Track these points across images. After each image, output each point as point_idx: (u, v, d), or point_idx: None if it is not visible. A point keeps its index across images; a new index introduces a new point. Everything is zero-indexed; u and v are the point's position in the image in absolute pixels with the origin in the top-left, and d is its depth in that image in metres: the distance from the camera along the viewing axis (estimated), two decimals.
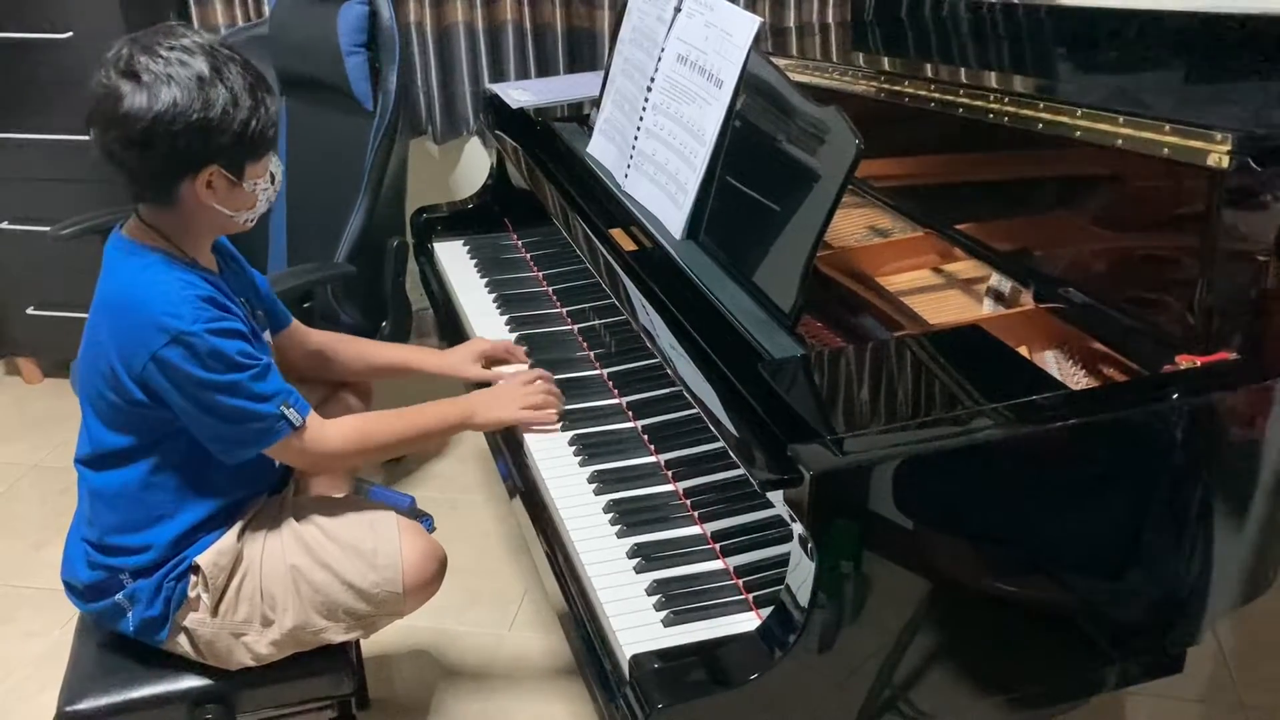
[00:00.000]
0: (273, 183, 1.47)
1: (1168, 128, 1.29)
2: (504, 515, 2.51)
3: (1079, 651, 1.32)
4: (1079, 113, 1.40)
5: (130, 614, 1.50)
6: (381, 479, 2.61)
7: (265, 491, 1.61)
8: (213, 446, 1.45)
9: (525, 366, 1.81)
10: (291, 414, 1.45)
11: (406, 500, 2.48)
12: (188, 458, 1.47)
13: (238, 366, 1.40)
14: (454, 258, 2.23)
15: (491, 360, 1.83)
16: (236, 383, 1.40)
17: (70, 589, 1.56)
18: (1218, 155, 1.24)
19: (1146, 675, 1.37)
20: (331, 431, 1.52)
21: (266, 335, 1.62)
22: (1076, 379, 1.39)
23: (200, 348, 1.37)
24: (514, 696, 2.04)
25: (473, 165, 3.05)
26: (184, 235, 1.44)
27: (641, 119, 1.75)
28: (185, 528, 1.49)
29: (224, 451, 1.45)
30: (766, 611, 1.22)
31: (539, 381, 1.69)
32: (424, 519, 2.46)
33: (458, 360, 1.83)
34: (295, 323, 1.75)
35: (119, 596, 1.50)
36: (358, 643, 1.85)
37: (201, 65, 1.34)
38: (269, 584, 1.52)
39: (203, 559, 1.48)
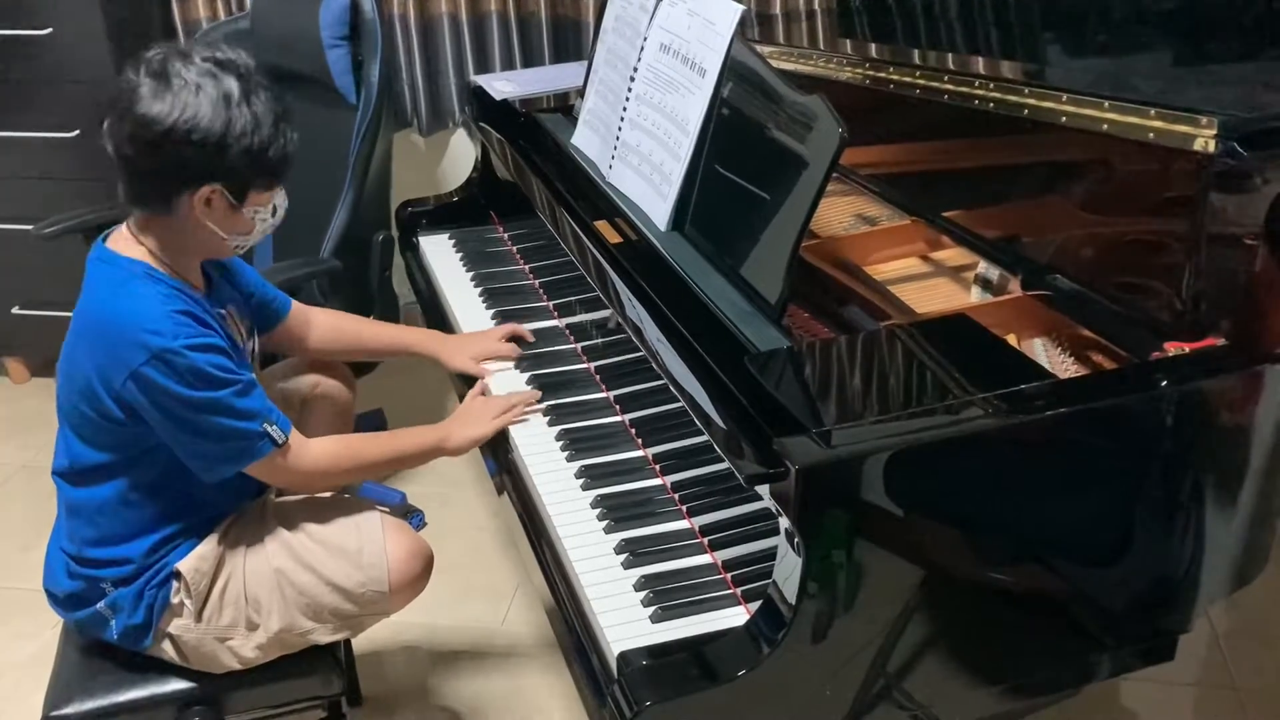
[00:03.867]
0: (274, 215, 1.46)
1: (1153, 112, 1.28)
2: (496, 510, 2.50)
3: (1069, 640, 1.32)
4: (1064, 98, 1.39)
5: (113, 622, 1.49)
6: None
7: (246, 499, 1.59)
8: (193, 464, 1.43)
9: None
10: (274, 431, 1.43)
11: (398, 496, 2.47)
12: (166, 474, 1.45)
13: (220, 383, 1.38)
14: (440, 252, 2.21)
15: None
16: (218, 400, 1.38)
17: (52, 598, 1.55)
18: (1204, 139, 1.23)
19: (1138, 663, 1.37)
20: (313, 450, 1.51)
21: (253, 343, 1.60)
22: (1065, 367, 1.38)
23: (181, 365, 1.35)
24: (507, 691, 2.03)
25: (459, 157, 3.03)
26: (171, 248, 1.42)
27: (625, 109, 1.73)
28: (163, 538, 1.48)
29: (204, 469, 1.44)
30: (755, 606, 1.21)
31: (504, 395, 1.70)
32: (415, 515, 2.46)
33: (451, 349, 1.83)
34: (296, 305, 1.75)
35: (101, 605, 1.48)
36: (348, 641, 1.84)
37: (232, 85, 1.33)
38: (253, 587, 1.50)
39: (184, 565, 1.47)
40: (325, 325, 1.80)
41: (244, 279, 1.65)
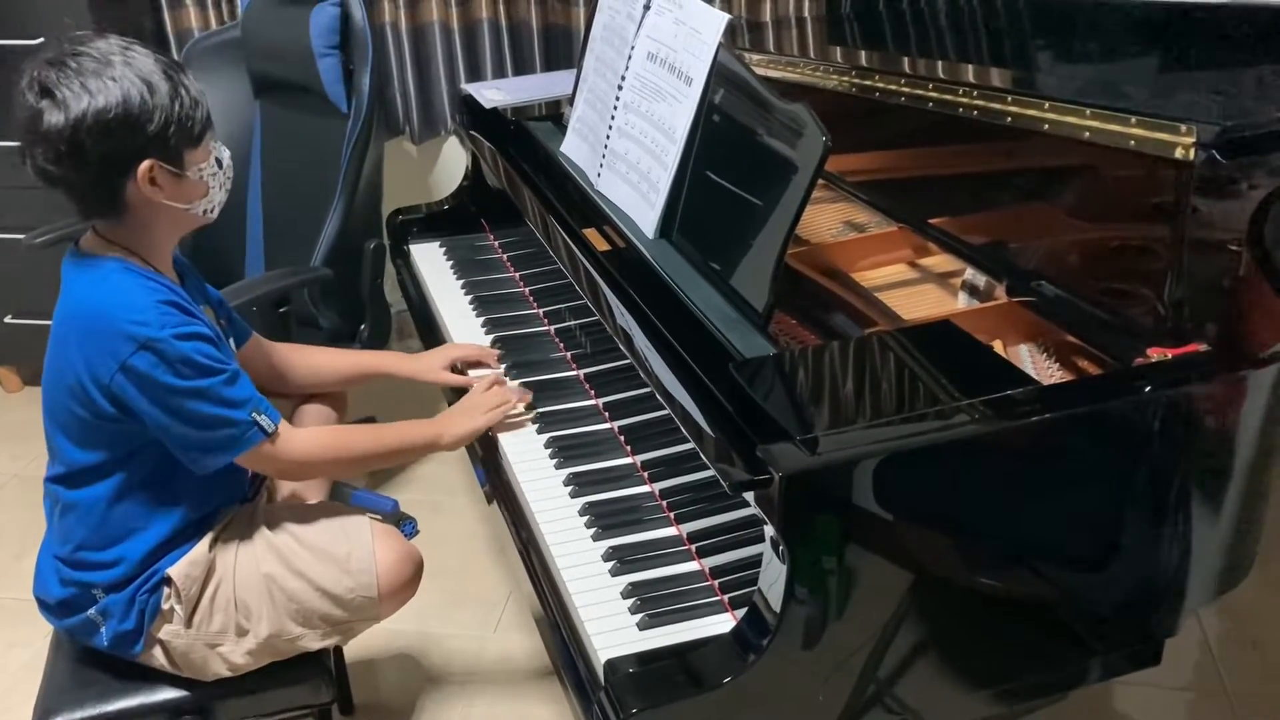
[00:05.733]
0: (221, 167, 1.45)
1: (1134, 120, 1.29)
2: (488, 517, 2.50)
3: (1055, 644, 1.32)
4: (1046, 106, 1.40)
5: (104, 629, 1.49)
6: (364, 482, 2.60)
7: (237, 501, 1.59)
8: (183, 455, 1.43)
9: (501, 369, 1.80)
10: (263, 420, 1.44)
11: (390, 503, 2.47)
12: (158, 470, 1.46)
13: (207, 371, 1.38)
14: (430, 260, 2.21)
15: (464, 365, 1.82)
16: (207, 388, 1.38)
17: (43, 605, 1.55)
18: (1183, 147, 1.23)
19: (1126, 667, 1.37)
20: (303, 440, 1.51)
21: (231, 344, 1.60)
22: (1051, 373, 1.39)
23: (170, 354, 1.35)
24: (499, 699, 2.04)
25: (452, 164, 3.04)
26: (143, 242, 1.43)
27: (613, 117, 1.74)
28: (157, 541, 1.48)
29: (195, 460, 1.43)
30: (742, 612, 1.21)
31: (496, 386, 1.69)
32: (407, 522, 2.46)
33: (427, 365, 1.82)
34: (255, 336, 1.74)
35: (91, 611, 1.48)
36: (339, 648, 1.85)
37: (109, 65, 1.32)
38: (243, 593, 1.51)
39: (174, 570, 1.47)
40: (283, 360, 1.76)
41: (209, 296, 1.63)
